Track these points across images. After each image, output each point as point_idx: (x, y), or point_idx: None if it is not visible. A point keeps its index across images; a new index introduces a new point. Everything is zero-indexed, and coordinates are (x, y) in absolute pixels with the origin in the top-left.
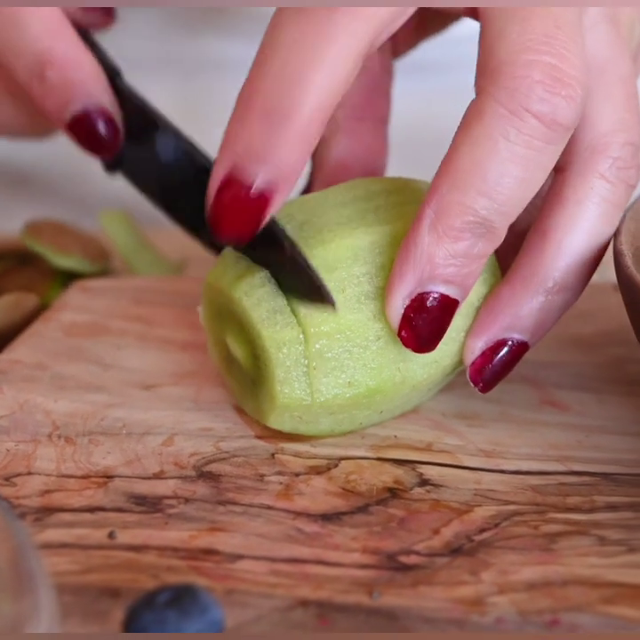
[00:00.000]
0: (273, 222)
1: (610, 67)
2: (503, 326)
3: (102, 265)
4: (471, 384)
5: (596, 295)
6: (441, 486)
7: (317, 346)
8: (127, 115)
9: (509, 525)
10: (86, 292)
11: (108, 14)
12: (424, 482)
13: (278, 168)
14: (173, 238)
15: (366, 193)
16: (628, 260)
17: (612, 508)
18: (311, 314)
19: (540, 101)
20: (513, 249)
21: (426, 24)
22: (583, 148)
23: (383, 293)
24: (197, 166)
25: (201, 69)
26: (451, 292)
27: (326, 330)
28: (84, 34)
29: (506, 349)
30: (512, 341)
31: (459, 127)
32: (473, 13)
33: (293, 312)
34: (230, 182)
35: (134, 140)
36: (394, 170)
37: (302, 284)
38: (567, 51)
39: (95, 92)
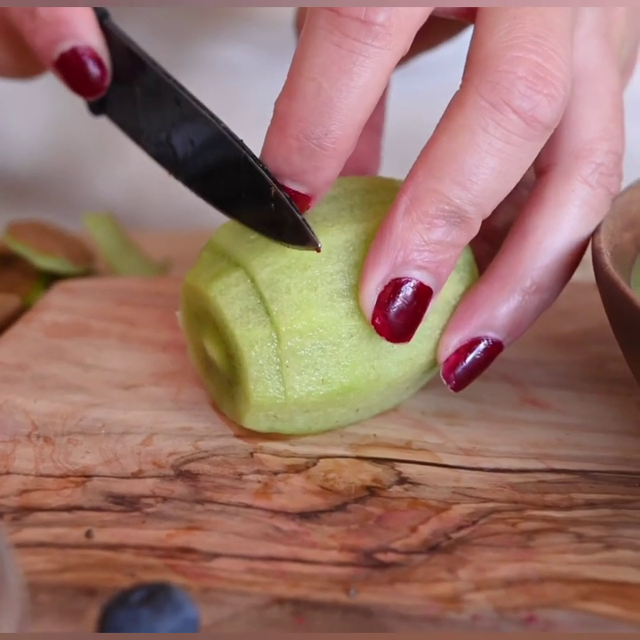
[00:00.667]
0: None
1: (600, 77)
2: (479, 324)
3: (85, 266)
4: (443, 381)
5: (577, 294)
6: (419, 484)
7: (290, 343)
8: (114, 55)
9: (487, 523)
10: (68, 293)
11: None
12: (402, 480)
13: (312, 185)
14: (157, 240)
15: (343, 191)
16: (606, 259)
17: (590, 505)
18: (283, 311)
19: (521, 97)
20: (492, 248)
21: (424, 36)
22: (568, 152)
23: (356, 291)
24: (183, 106)
25: (189, 72)
26: (425, 279)
27: (299, 328)
28: None
29: (480, 348)
30: (487, 340)
31: (442, 117)
32: (470, 16)
33: (266, 310)
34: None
35: (120, 80)
36: (387, 169)
37: (286, 226)
38: (554, 52)
39: (84, 32)
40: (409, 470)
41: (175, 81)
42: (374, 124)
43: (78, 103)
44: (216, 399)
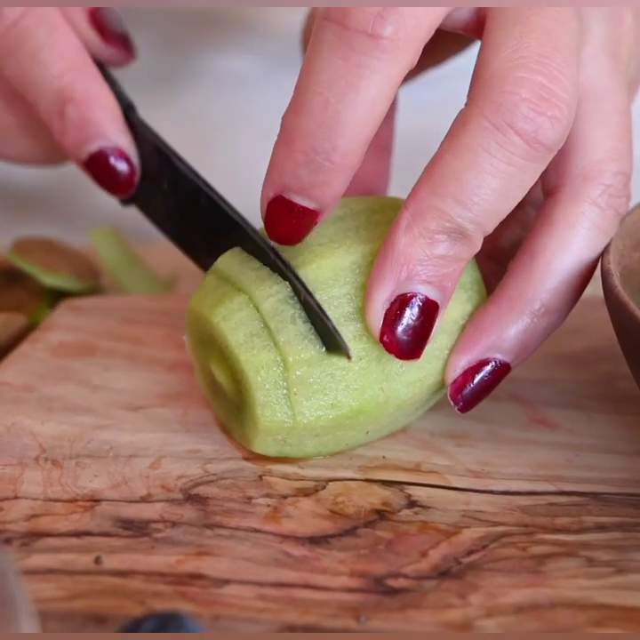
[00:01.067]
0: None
1: (608, 97)
2: (487, 346)
3: (91, 283)
4: (451, 403)
5: (586, 310)
6: (429, 508)
7: (298, 373)
8: (140, 149)
9: (497, 547)
10: (75, 312)
11: (127, 49)
12: (412, 503)
13: (320, 200)
14: (163, 254)
15: (349, 212)
16: (616, 280)
17: (601, 528)
18: (290, 342)
19: (523, 119)
20: (499, 268)
21: (431, 51)
22: (576, 173)
23: (363, 313)
24: (207, 202)
25: (195, 82)
26: (430, 293)
27: (306, 357)
28: (101, 67)
29: (488, 369)
30: (495, 362)
31: (446, 135)
32: (478, 31)
33: (271, 337)
34: (278, 202)
35: (147, 174)
36: (393, 180)
37: (318, 329)
38: (560, 73)
39: (113, 132)
40: (418, 493)
41: (199, 174)
42: (383, 143)
43: None
44: (225, 423)
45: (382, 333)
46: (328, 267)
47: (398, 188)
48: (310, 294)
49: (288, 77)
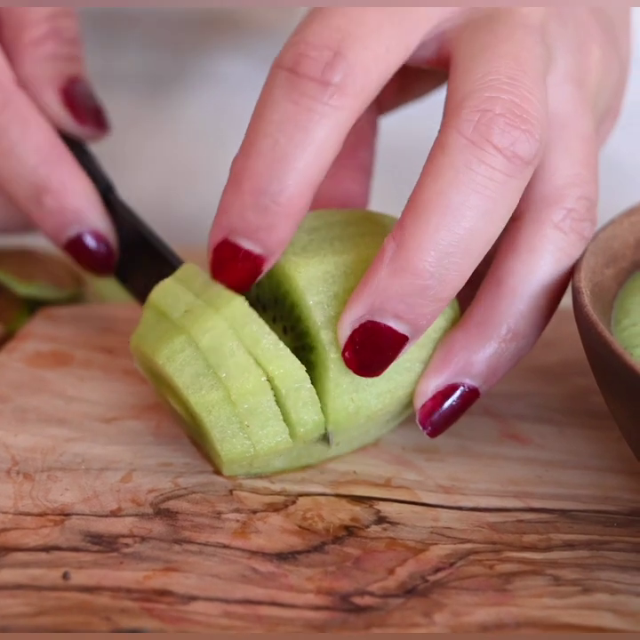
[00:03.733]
0: None
1: (571, 123)
2: (456, 371)
3: (73, 290)
4: (420, 427)
5: (561, 323)
6: (398, 524)
7: (246, 406)
8: (119, 228)
9: (465, 565)
10: (51, 321)
11: (100, 125)
12: (381, 519)
13: (266, 245)
14: None
15: (324, 223)
16: (585, 298)
17: (568, 546)
18: (232, 376)
19: (500, 133)
20: (471, 291)
21: (408, 86)
22: (539, 198)
23: (335, 322)
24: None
25: (188, 86)
26: (400, 327)
27: (250, 388)
28: (79, 146)
29: (457, 394)
30: (464, 387)
31: (425, 162)
32: (445, 66)
33: (215, 374)
34: (224, 246)
35: (126, 251)
36: (379, 191)
37: None
38: (530, 93)
39: (90, 218)
40: (388, 509)
41: (173, 253)
42: (363, 165)
43: None
44: (194, 438)
45: (344, 349)
46: (301, 277)
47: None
48: None
49: None
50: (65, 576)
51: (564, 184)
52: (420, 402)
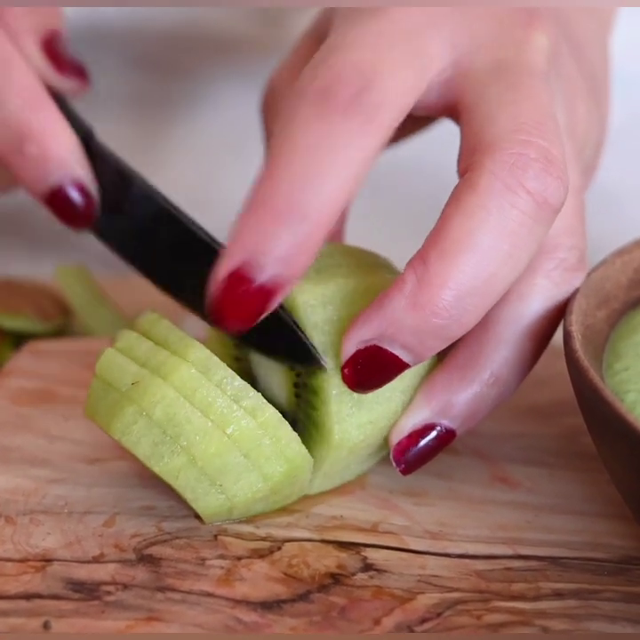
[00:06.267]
0: None
1: None
2: (435, 411)
3: (58, 323)
4: (393, 464)
5: (553, 360)
6: (385, 571)
7: (214, 467)
8: (101, 176)
9: (452, 615)
10: (36, 356)
11: (82, 78)
12: (368, 567)
13: (287, 268)
14: (130, 290)
15: None
16: (577, 343)
17: (557, 595)
18: (193, 443)
19: (535, 178)
20: None
21: (405, 124)
22: None
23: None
24: (175, 225)
25: (168, 106)
26: (405, 357)
27: (214, 451)
28: (58, 97)
29: (433, 434)
30: (440, 427)
31: (448, 201)
32: (451, 112)
33: (175, 441)
34: (237, 275)
35: (108, 199)
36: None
37: (289, 346)
38: (556, 138)
39: (71, 166)
40: (374, 556)
41: (165, 196)
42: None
43: None
44: None
45: (345, 365)
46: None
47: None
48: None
49: None
50: (46, 625)
51: (556, 234)
52: (395, 439)
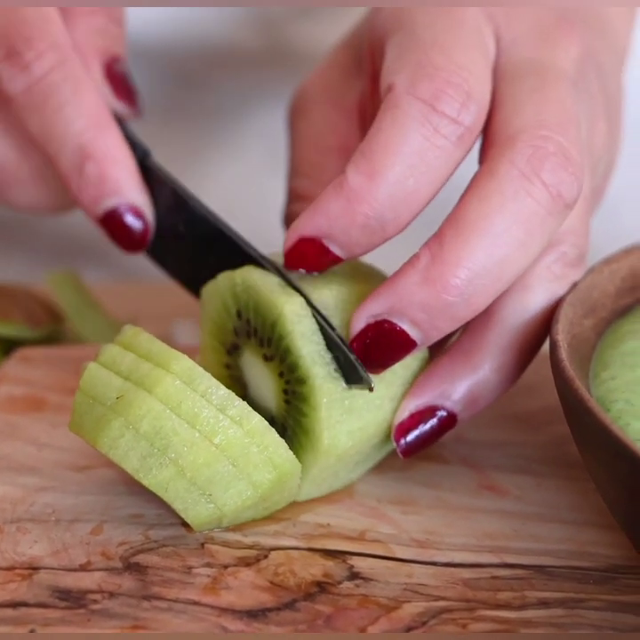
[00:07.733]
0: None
1: None
2: (438, 393)
3: (49, 328)
4: (394, 444)
5: (544, 366)
6: (371, 580)
7: (203, 478)
8: (157, 198)
9: (437, 623)
10: (26, 363)
11: (135, 105)
12: (354, 575)
13: (352, 254)
14: (122, 296)
15: None
16: (563, 353)
17: (543, 604)
18: (182, 455)
19: (551, 171)
20: None
21: None
22: None
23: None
24: (230, 246)
25: (198, 117)
26: (413, 333)
27: (202, 461)
28: (118, 119)
29: (435, 417)
30: (442, 410)
31: (467, 187)
32: None
33: (163, 453)
34: (313, 242)
35: (163, 219)
36: None
37: (340, 364)
38: (576, 140)
39: (129, 190)
40: (361, 564)
41: (218, 216)
42: None
43: None
44: None
45: (354, 340)
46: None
47: None
48: (330, 325)
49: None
50: (31, 633)
51: (561, 231)
52: (398, 419)
